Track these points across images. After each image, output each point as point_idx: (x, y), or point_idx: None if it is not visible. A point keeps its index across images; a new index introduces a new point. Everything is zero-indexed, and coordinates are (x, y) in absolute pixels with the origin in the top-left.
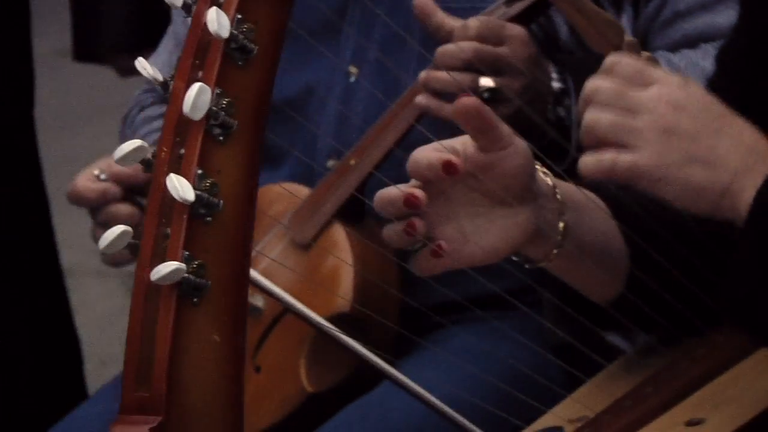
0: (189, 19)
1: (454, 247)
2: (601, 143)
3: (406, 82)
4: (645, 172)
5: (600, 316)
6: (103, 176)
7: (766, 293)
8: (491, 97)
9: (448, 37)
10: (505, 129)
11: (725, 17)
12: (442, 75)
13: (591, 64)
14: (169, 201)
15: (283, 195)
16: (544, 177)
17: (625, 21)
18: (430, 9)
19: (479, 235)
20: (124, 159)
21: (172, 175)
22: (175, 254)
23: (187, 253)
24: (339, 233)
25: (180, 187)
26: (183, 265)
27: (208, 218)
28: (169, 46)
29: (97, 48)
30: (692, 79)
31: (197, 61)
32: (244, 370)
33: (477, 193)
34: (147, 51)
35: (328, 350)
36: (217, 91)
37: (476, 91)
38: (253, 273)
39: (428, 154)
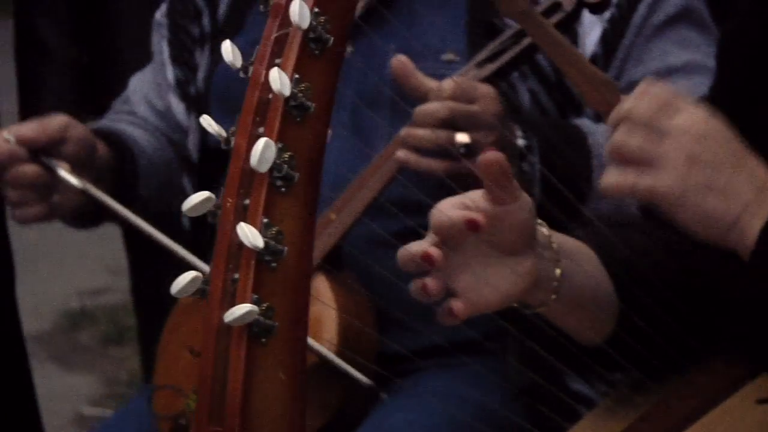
0: (167, 65)
1: (471, 295)
2: (626, 162)
3: (377, 141)
4: (664, 194)
5: (565, 360)
6: (12, 139)
7: None
8: (467, 152)
9: (424, 97)
10: (516, 183)
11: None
12: (422, 132)
13: (550, 125)
14: (236, 248)
15: None
16: (540, 227)
17: None
18: (408, 70)
19: (492, 283)
20: (193, 209)
21: (242, 224)
22: (244, 297)
23: (255, 296)
24: (322, 282)
25: (250, 235)
26: (255, 308)
27: (274, 264)
28: (147, 77)
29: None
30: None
31: (257, 118)
32: (306, 406)
33: (487, 243)
34: (90, 118)
35: (311, 394)
36: (279, 145)
37: (453, 146)
38: None
39: (451, 213)
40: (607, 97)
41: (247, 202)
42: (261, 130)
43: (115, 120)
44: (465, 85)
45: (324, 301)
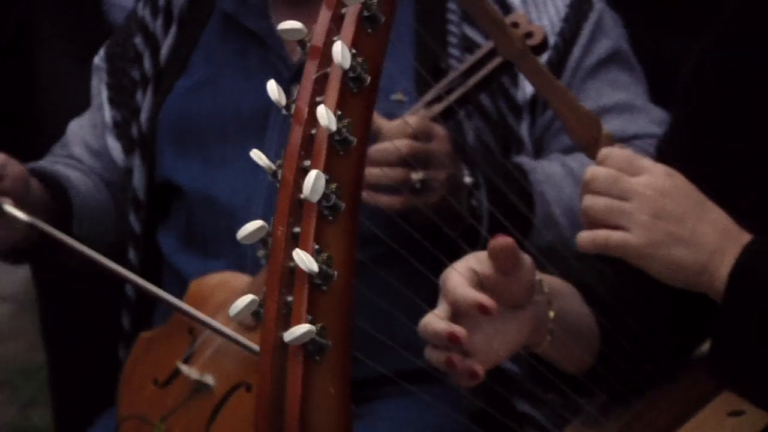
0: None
1: (484, 352)
2: (596, 223)
3: None
4: (634, 249)
5: (514, 385)
6: None
7: (747, 356)
8: (422, 188)
9: (377, 135)
10: (520, 253)
11: (637, 126)
12: (379, 171)
13: (495, 162)
14: (288, 273)
15: (223, 283)
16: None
17: (525, 127)
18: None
19: (500, 336)
20: (247, 237)
21: (298, 250)
22: (299, 319)
23: (310, 317)
24: None
25: (306, 260)
26: (314, 327)
27: (324, 287)
28: (85, 121)
29: None
30: (674, 170)
31: (302, 152)
32: (352, 418)
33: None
34: None
35: None
36: (326, 177)
37: (409, 182)
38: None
39: (464, 292)
40: (592, 132)
41: (296, 230)
42: (307, 163)
43: (51, 162)
44: (420, 123)
45: None
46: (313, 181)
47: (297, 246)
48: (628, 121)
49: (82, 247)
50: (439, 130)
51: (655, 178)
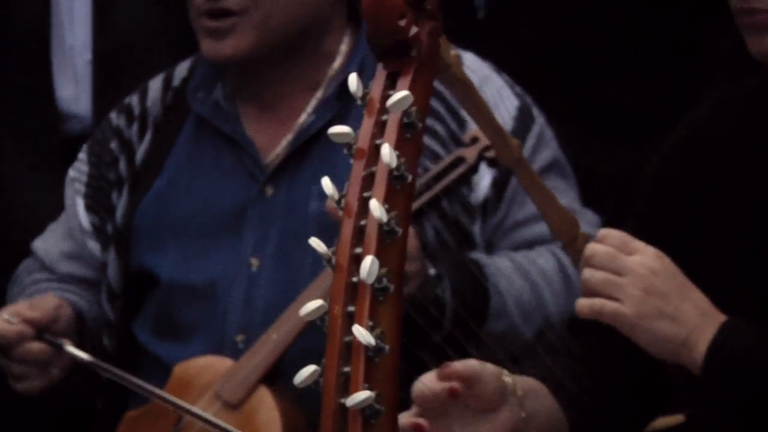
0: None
1: None
2: (594, 294)
3: (304, 270)
4: (625, 319)
5: None
6: (14, 320)
7: (723, 425)
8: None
9: None
10: (474, 368)
11: None
12: None
13: (454, 258)
14: (345, 347)
15: (208, 366)
16: (506, 378)
17: (477, 227)
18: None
19: None
20: (309, 315)
21: (357, 326)
22: (357, 386)
23: (366, 385)
24: (265, 393)
25: (364, 335)
26: (373, 394)
27: (377, 359)
28: (57, 233)
29: None
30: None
31: (354, 241)
32: None
33: (467, 407)
34: None
35: None
36: (378, 262)
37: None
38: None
39: (433, 385)
40: (572, 229)
41: (351, 309)
42: (359, 250)
43: (61, 290)
44: None
45: (268, 410)
46: (369, 266)
47: (353, 323)
48: None
49: (136, 381)
50: (411, 229)
51: (647, 258)
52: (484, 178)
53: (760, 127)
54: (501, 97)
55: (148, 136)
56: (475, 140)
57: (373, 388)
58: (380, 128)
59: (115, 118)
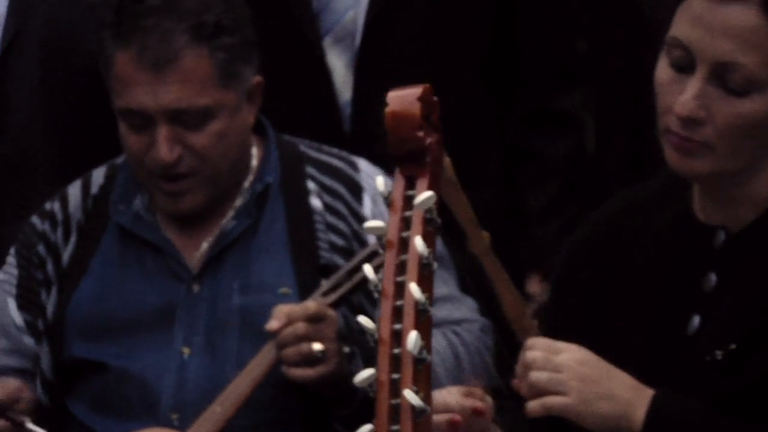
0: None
1: None
2: (542, 392)
3: (230, 356)
4: (572, 408)
5: None
6: None
7: None
8: (321, 357)
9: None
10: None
11: (461, 312)
12: (290, 350)
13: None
14: (392, 410)
15: None
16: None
17: (378, 313)
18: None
19: None
20: (361, 382)
21: (407, 390)
22: None
23: None
24: None
25: (414, 398)
26: None
27: (418, 419)
28: None
29: None
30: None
31: (393, 318)
32: None
33: None
34: None
35: None
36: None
37: (312, 353)
38: None
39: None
40: (521, 308)
41: (395, 376)
42: (398, 326)
43: None
44: (318, 308)
45: None
46: (414, 340)
47: (397, 388)
48: (454, 309)
49: None
50: (332, 312)
51: (572, 353)
52: None
53: (659, 224)
54: None
55: (72, 239)
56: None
57: None
58: (405, 223)
59: (39, 223)
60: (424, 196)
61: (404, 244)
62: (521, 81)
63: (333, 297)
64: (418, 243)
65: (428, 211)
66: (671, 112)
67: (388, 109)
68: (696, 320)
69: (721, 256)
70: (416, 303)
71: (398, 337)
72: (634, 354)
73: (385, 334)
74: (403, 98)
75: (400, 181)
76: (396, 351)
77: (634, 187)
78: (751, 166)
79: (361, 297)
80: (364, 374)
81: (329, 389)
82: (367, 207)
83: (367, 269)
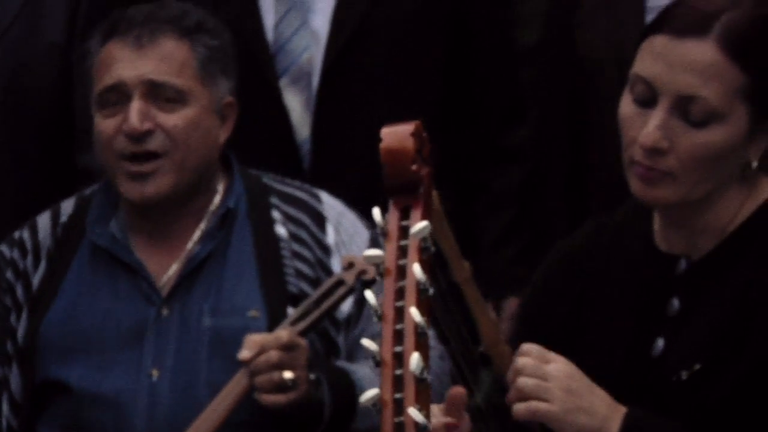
0: None
1: None
2: (528, 397)
3: (200, 378)
4: (555, 415)
5: None
6: None
7: None
8: (292, 384)
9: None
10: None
11: None
12: (262, 378)
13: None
14: (397, 427)
15: None
16: None
17: (341, 339)
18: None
19: None
20: (367, 401)
21: (411, 408)
22: None
23: None
24: None
25: (418, 416)
26: None
27: None
28: None
29: None
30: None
31: (396, 340)
32: None
33: None
34: None
35: None
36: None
37: (284, 381)
38: None
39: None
40: (496, 333)
41: (397, 396)
42: (398, 349)
43: None
44: (290, 337)
45: None
46: (416, 361)
47: (400, 407)
48: None
49: None
50: (302, 341)
51: (561, 365)
52: (350, 298)
53: (626, 253)
54: (356, 229)
55: (42, 265)
56: (351, 265)
57: None
58: (401, 251)
59: (8, 251)
60: (420, 226)
61: (401, 272)
62: (473, 119)
63: (302, 325)
64: (416, 270)
65: (423, 239)
66: (635, 144)
67: (382, 145)
68: (660, 342)
69: (684, 283)
70: (416, 326)
71: (399, 359)
72: (605, 374)
73: (387, 356)
74: (396, 134)
75: (395, 213)
76: (398, 372)
77: (604, 215)
78: (711, 194)
79: (327, 323)
80: (369, 394)
81: (298, 413)
82: (330, 236)
83: (368, 295)
